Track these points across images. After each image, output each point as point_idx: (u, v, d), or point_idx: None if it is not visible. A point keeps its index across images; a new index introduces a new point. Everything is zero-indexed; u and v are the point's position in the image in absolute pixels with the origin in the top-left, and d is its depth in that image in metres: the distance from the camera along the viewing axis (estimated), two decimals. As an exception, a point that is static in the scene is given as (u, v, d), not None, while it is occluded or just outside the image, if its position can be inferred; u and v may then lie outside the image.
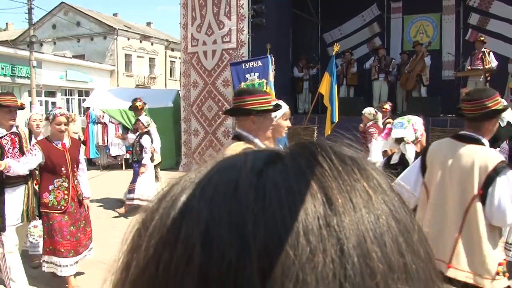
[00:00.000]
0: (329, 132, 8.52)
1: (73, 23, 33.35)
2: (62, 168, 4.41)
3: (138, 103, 7.92)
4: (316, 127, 10.23)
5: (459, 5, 13.13)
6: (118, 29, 33.42)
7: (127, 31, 34.72)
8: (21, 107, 4.52)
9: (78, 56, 31.41)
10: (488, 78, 10.60)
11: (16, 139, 4.43)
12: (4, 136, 4.31)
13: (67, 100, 28.54)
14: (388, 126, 4.16)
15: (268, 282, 0.29)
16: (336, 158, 0.36)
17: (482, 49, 10.53)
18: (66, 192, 4.43)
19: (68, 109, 28.74)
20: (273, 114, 3.39)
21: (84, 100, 26.21)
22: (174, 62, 38.36)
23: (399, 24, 14.07)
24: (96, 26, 33.50)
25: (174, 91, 14.46)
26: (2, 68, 22.38)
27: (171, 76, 38.73)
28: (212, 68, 11.66)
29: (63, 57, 28.52)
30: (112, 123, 12.99)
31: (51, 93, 26.95)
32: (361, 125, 7.60)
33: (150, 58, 36.86)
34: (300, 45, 13.95)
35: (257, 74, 9.09)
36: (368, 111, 7.50)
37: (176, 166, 12.11)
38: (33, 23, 24.09)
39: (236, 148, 2.66)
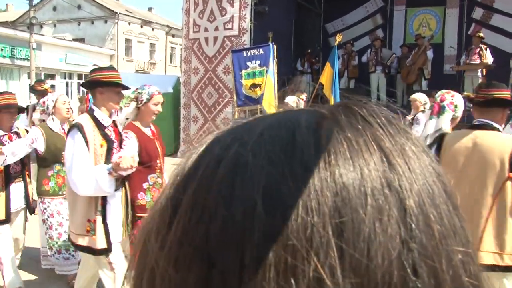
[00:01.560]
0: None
1: (74, 6, 33.11)
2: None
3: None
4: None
5: (463, -1, 13.07)
6: (119, 13, 33.22)
7: (128, 15, 34.51)
8: (22, 107, 4.29)
9: (79, 39, 31.22)
10: (485, 74, 10.59)
11: (15, 137, 4.12)
12: (3, 135, 4.01)
13: (66, 84, 28.46)
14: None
15: (342, 241, 0.28)
16: (385, 120, 0.35)
17: (480, 45, 10.51)
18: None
19: (67, 93, 28.65)
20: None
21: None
22: (175, 48, 38.19)
23: (402, 16, 14.00)
24: (97, 10, 33.28)
25: (174, 77, 14.41)
26: (2, 50, 22.28)
27: (171, 62, 38.58)
28: (213, 55, 11.61)
29: (63, 40, 28.37)
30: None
31: (50, 76, 26.84)
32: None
33: (150, 43, 36.68)
34: (302, 35, 13.89)
35: (258, 62, 9.06)
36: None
37: (175, 152, 12.11)
38: (33, 4, 23.92)
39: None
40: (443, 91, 3.41)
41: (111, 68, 3.65)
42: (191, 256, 0.30)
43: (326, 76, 8.48)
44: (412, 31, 13.79)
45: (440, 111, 3.23)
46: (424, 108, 6.93)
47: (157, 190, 3.66)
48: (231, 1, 11.28)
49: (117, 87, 3.31)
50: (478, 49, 10.58)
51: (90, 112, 3.23)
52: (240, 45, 10.96)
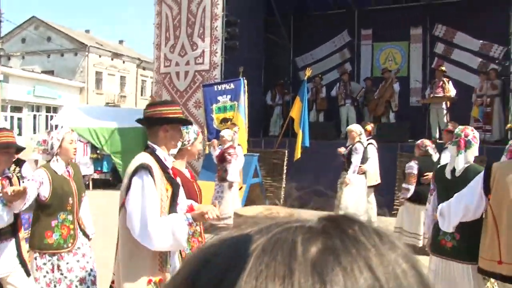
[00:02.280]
0: (299, 156, 8.59)
1: (43, 38, 32.87)
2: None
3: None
4: (286, 151, 10.29)
5: (425, 35, 13.59)
6: (90, 46, 33.11)
7: (98, 48, 34.43)
8: (21, 147, 3.70)
9: (48, 71, 30.89)
10: (449, 106, 10.96)
11: (7, 184, 3.47)
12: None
13: (34, 116, 27.96)
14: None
15: None
16: (376, 236, 0.38)
17: (442, 78, 10.90)
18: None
19: (34, 126, 28.13)
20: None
21: (52, 117, 25.72)
22: (146, 81, 38.16)
23: (369, 50, 14.44)
24: (67, 42, 33.11)
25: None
26: (-33, 82, 21.83)
27: (142, 95, 38.46)
28: (184, 89, 11.66)
29: (32, 72, 28.02)
30: (81, 141, 12.77)
31: (17, 109, 26.37)
32: (216, 147, 7.79)
33: (121, 76, 36.56)
34: (272, 69, 14.12)
35: (229, 96, 9.16)
36: (227, 133, 7.55)
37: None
38: (1, 36, 23.64)
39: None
40: (461, 127, 3.68)
41: (173, 103, 3.32)
42: None
43: (296, 111, 8.62)
44: (378, 64, 14.20)
45: (467, 145, 3.49)
46: (360, 138, 7.24)
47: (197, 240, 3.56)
48: (202, 36, 11.43)
49: (182, 124, 3.02)
50: (441, 82, 10.96)
51: (151, 151, 2.78)
52: (211, 79, 11.06)
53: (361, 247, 0.37)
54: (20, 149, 3.71)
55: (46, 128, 24.82)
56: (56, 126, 13.30)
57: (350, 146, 7.25)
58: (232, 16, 11.34)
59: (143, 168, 2.58)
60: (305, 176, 9.16)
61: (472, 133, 3.56)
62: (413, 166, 6.12)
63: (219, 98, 9.32)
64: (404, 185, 6.25)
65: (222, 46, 11.20)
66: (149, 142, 2.81)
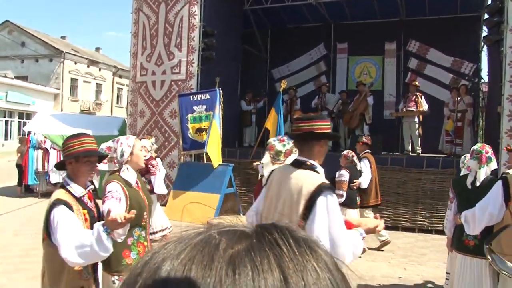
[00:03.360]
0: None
1: (17, 43, 32.30)
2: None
3: None
4: (262, 162, 10.32)
5: (399, 50, 13.91)
6: (66, 52, 32.70)
7: (74, 55, 34.02)
8: (104, 155, 3.16)
9: (21, 77, 30.32)
10: (421, 120, 11.21)
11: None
12: (82, 195, 2.90)
13: (6, 122, 27.40)
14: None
15: None
16: (292, 241, 0.44)
17: (415, 93, 11.16)
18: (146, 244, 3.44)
19: (6, 132, 27.54)
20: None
21: (25, 123, 25.24)
22: (122, 89, 37.85)
23: (344, 64, 14.68)
24: (42, 48, 32.61)
25: (120, 119, 14.24)
26: None
27: (117, 103, 38.11)
28: (160, 98, 11.63)
29: (4, 77, 27.48)
30: (54, 149, 12.57)
31: (-11, 114, 25.82)
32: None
33: (97, 83, 36.17)
34: (248, 80, 14.21)
35: (204, 106, 9.17)
36: (147, 143, 7.19)
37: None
38: (-26, 41, 23.18)
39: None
40: (480, 144, 4.25)
41: (82, 135, 3.06)
42: None
43: (271, 122, 8.68)
44: (354, 78, 14.45)
45: (488, 160, 4.04)
46: (152, 150, 7.52)
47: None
48: (179, 46, 11.44)
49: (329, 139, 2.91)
50: (414, 97, 11.20)
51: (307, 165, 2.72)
52: (187, 89, 11.05)
53: (276, 249, 0.42)
54: (102, 157, 3.12)
55: (19, 134, 24.31)
56: (29, 133, 13.06)
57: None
58: (209, 27, 11.40)
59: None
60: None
61: (490, 150, 4.14)
62: (344, 174, 6.74)
63: (195, 108, 9.32)
64: (336, 191, 6.64)
65: (199, 56, 11.22)
66: (300, 157, 2.73)
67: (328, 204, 2.44)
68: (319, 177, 2.58)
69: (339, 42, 14.58)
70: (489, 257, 2.29)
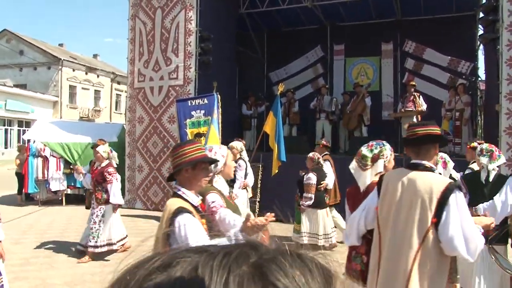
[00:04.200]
0: (276, 171, 8.62)
1: (15, 51, 32.36)
2: None
3: None
4: (261, 165, 10.34)
5: (396, 50, 13.93)
6: (63, 59, 32.74)
7: (72, 62, 34.07)
8: (214, 160, 3.02)
9: (20, 85, 30.37)
10: (420, 120, 11.20)
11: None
12: (199, 204, 2.78)
13: (6, 131, 27.42)
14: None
15: None
16: (278, 253, 0.43)
17: (413, 93, 11.17)
18: None
19: (6, 141, 27.55)
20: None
21: (24, 131, 25.26)
22: (120, 95, 37.88)
23: (342, 65, 14.70)
24: (40, 56, 32.66)
25: (119, 125, 14.25)
26: None
27: (116, 109, 38.13)
28: (158, 104, 11.64)
29: (3, 86, 27.52)
30: (54, 156, 12.57)
31: (-12, 123, 25.84)
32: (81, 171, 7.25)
33: (95, 90, 36.20)
34: (246, 84, 14.23)
35: (203, 111, 9.18)
36: (102, 149, 7.07)
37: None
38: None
39: (435, 176, 2.77)
40: (486, 144, 4.64)
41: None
42: None
43: (270, 126, 8.67)
44: (351, 79, 14.47)
45: (497, 157, 4.43)
46: (241, 155, 7.60)
47: None
48: (176, 52, 11.46)
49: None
50: (412, 97, 11.21)
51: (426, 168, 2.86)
52: (185, 94, 11.07)
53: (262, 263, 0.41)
54: (212, 162, 2.99)
55: (18, 142, 24.31)
56: (29, 141, 13.06)
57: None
58: (206, 32, 11.42)
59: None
60: (279, 190, 9.21)
61: (498, 149, 4.65)
62: (311, 177, 6.98)
63: (193, 113, 9.33)
64: (305, 195, 7.03)
65: (196, 61, 11.24)
66: (417, 161, 2.85)
67: (458, 201, 2.59)
68: (444, 177, 2.84)
69: (335, 43, 14.61)
70: (492, 256, 2.27)
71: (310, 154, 7.37)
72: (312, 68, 14.84)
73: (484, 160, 4.42)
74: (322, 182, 7.18)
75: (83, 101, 34.37)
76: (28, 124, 27.41)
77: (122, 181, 12.22)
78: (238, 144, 7.67)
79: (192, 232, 2.42)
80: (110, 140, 12.78)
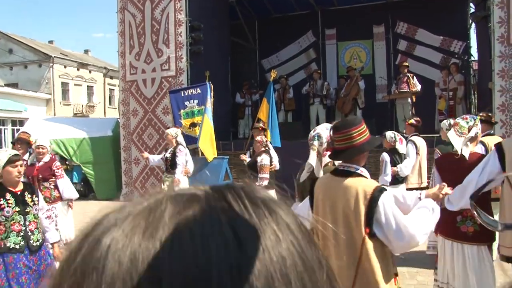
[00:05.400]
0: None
1: (4, 50, 32.03)
2: None
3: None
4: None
5: (388, 33, 13.89)
6: (54, 56, 32.47)
7: (63, 58, 33.81)
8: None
9: (11, 84, 30.11)
10: (414, 100, 11.22)
11: None
12: None
13: (0, 131, 27.26)
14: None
15: None
16: (248, 202, 0.39)
17: (407, 74, 11.16)
18: None
19: (0, 140, 27.42)
20: None
21: (18, 130, 25.12)
22: (113, 90, 37.65)
23: (334, 50, 14.65)
24: (30, 54, 32.36)
25: (113, 120, 14.19)
26: None
27: (110, 104, 37.92)
28: (152, 96, 11.59)
29: (-6, 86, 27.32)
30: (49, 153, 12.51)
31: (-19, 124, 25.68)
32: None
33: (88, 86, 35.97)
34: (239, 72, 14.17)
35: (196, 101, 9.15)
36: (45, 142, 6.50)
37: (116, 196, 11.80)
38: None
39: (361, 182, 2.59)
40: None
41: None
42: None
43: (264, 112, 8.67)
44: (344, 63, 14.43)
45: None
46: (177, 141, 7.48)
47: None
48: (167, 42, 11.38)
49: None
50: (406, 78, 11.21)
51: None
52: (178, 85, 11.02)
53: (230, 212, 0.39)
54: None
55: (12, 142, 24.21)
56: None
57: (172, 149, 7.38)
58: (196, 22, 11.34)
59: None
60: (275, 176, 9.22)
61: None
62: (265, 158, 7.14)
63: (186, 103, 9.30)
64: (261, 175, 7.10)
65: (187, 51, 11.18)
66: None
67: (385, 202, 2.45)
68: (370, 181, 2.62)
69: (327, 28, 14.54)
70: (474, 212, 2.23)
71: (258, 138, 7.42)
72: (305, 53, 14.79)
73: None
74: (273, 163, 7.33)
75: (76, 97, 34.16)
76: (21, 123, 27.24)
77: (119, 175, 12.26)
78: (172, 130, 7.60)
79: (398, 212, 2.45)
80: (105, 135, 12.78)
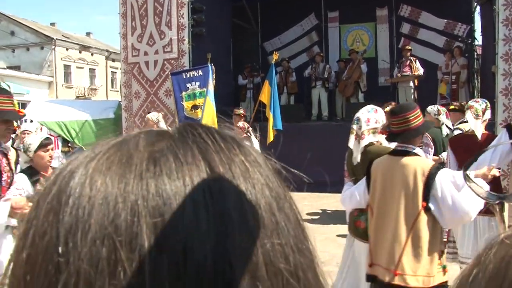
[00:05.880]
0: (272, 139, 8.65)
1: (6, 32, 31.91)
2: None
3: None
4: (258, 135, 10.35)
5: (391, 15, 13.77)
6: (56, 39, 32.35)
7: (65, 41, 33.68)
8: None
9: (13, 67, 30.07)
10: (416, 84, 11.18)
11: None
12: None
13: (2, 113, 27.30)
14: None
15: (157, 238, 0.34)
16: (218, 136, 0.42)
17: (409, 57, 11.10)
18: None
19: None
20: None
21: (20, 112, 25.12)
22: (115, 72, 37.57)
23: (336, 33, 14.55)
24: (32, 36, 32.26)
25: (115, 102, 14.18)
26: None
27: (112, 87, 37.87)
28: (154, 78, 11.57)
29: (-3, 68, 27.29)
30: (51, 135, 12.55)
31: (-16, 106, 25.69)
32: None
33: (90, 68, 35.90)
34: (241, 54, 14.11)
35: (197, 83, 9.13)
36: (154, 115, 7.14)
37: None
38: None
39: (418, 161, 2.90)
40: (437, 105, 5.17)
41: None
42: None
43: (266, 95, 8.65)
44: (346, 46, 14.34)
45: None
46: (158, 126, 7.27)
47: None
48: (169, 24, 11.32)
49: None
50: (408, 61, 11.17)
51: None
52: (180, 67, 10.99)
53: (201, 143, 0.41)
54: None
55: (16, 123, 24.26)
56: (25, 121, 13.02)
57: None
58: (198, 3, 11.27)
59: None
60: (277, 159, 9.24)
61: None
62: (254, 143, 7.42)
63: (188, 85, 9.28)
64: None
65: (189, 33, 11.13)
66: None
67: (443, 179, 2.73)
68: (426, 160, 3.10)
69: (329, 11, 14.42)
70: (466, 182, 2.35)
71: (239, 124, 7.41)
72: (307, 36, 14.69)
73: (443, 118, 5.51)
74: None
75: (78, 80, 34.13)
76: (24, 105, 27.16)
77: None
78: (154, 115, 7.36)
79: (452, 188, 2.70)
80: (107, 117, 12.78)
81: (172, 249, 0.34)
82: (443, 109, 6.03)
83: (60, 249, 0.35)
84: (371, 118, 3.50)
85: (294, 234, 0.40)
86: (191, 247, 0.34)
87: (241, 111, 8.27)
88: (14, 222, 5.52)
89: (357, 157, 3.45)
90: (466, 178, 2.18)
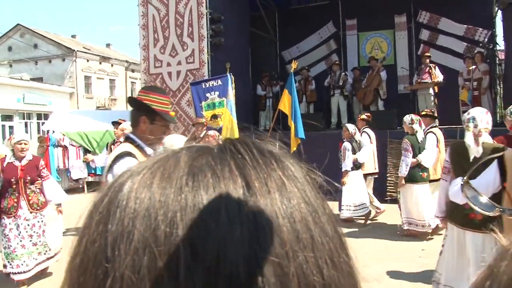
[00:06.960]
0: (295, 149, 8.62)
1: (30, 45, 32.65)
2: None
3: None
4: (277, 144, 10.33)
5: (410, 22, 13.70)
6: (77, 51, 32.96)
7: (86, 52, 34.28)
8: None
9: (36, 78, 30.70)
10: (437, 91, 11.06)
11: None
12: None
13: (26, 124, 27.84)
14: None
15: (194, 252, 0.37)
16: (256, 151, 0.44)
17: (429, 64, 11.00)
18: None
19: (26, 133, 28.02)
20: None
21: (43, 123, 25.64)
22: (135, 83, 38.04)
23: (355, 40, 14.52)
24: (54, 48, 32.92)
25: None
26: (-44, 93, 21.70)
27: (132, 97, 38.30)
28: (177, 88, 11.72)
29: (20, 80, 27.86)
30: (73, 145, 12.79)
31: (8, 117, 26.26)
32: None
33: (110, 79, 36.42)
34: (259, 63, 14.17)
35: (217, 93, 9.21)
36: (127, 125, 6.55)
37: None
38: (-13, 46, 23.52)
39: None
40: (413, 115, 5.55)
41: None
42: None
43: (286, 104, 8.63)
44: (365, 54, 14.29)
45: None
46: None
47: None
48: (191, 36, 11.48)
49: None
50: (428, 68, 11.07)
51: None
52: (200, 77, 11.11)
53: (239, 158, 0.43)
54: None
55: (38, 134, 24.73)
56: (48, 132, 13.28)
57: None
58: (216, 13, 11.39)
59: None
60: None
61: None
62: (347, 146, 7.85)
63: (207, 95, 9.37)
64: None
65: (208, 43, 11.25)
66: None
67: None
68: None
69: (348, 18, 14.41)
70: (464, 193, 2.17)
71: (211, 132, 7.37)
72: (325, 44, 14.69)
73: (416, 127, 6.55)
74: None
75: (98, 90, 34.64)
76: (46, 116, 27.76)
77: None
78: (126, 125, 6.82)
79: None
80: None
81: (206, 259, 0.37)
82: (416, 118, 6.92)
83: (107, 256, 0.38)
84: (484, 119, 3.73)
85: (329, 248, 0.41)
86: (224, 257, 0.37)
87: (203, 120, 8.34)
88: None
89: (479, 151, 3.59)
90: (465, 185, 2.02)
